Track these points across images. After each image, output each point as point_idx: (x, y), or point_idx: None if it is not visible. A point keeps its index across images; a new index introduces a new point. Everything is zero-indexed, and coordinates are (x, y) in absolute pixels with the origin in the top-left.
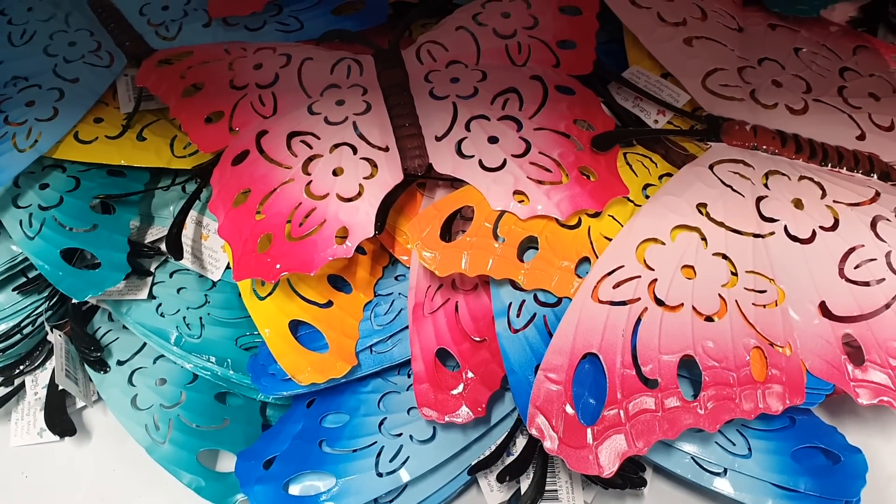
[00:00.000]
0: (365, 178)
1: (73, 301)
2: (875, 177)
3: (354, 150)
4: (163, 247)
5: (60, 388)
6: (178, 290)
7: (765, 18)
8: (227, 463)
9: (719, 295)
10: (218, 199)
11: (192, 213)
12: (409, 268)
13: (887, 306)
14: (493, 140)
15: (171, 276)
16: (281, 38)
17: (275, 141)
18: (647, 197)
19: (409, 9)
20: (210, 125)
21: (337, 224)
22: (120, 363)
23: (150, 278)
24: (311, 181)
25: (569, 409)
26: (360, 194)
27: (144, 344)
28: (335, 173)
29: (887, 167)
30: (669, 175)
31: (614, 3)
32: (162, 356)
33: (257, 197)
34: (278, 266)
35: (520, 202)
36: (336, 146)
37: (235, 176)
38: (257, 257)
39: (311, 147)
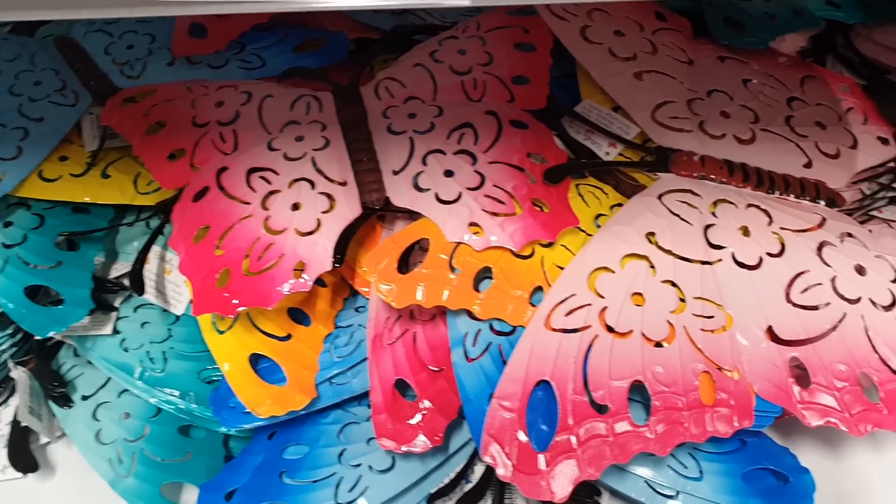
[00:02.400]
0: (323, 212)
1: (37, 337)
2: (822, 203)
3: (313, 185)
4: (127, 282)
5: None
6: (142, 325)
7: (714, 51)
8: (190, 495)
9: (668, 321)
10: (178, 235)
11: (156, 249)
12: (369, 299)
13: (833, 329)
14: (448, 174)
15: (135, 310)
16: (243, 75)
17: (234, 177)
18: (599, 226)
19: (371, 45)
20: (172, 162)
21: (295, 258)
22: (84, 398)
23: (115, 313)
24: (269, 216)
25: (522, 437)
26: (318, 228)
27: (109, 379)
28: (293, 208)
29: (833, 194)
30: (620, 205)
31: (567, 39)
32: (126, 390)
33: (217, 233)
34: (236, 301)
35: (475, 234)
36: (294, 181)
37: (196, 212)
38: (216, 292)
39: (269, 182)
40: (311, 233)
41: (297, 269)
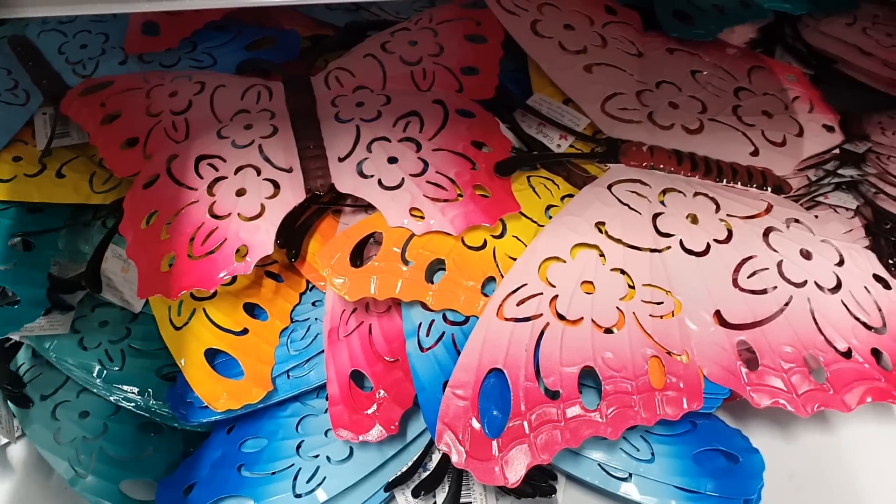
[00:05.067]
0: (267, 197)
1: None
2: (769, 190)
3: (258, 172)
4: (84, 281)
5: None
6: (100, 324)
7: (664, 43)
8: (151, 492)
9: (618, 308)
10: (128, 221)
11: (114, 248)
12: (325, 293)
13: (780, 312)
14: (392, 160)
15: (93, 310)
16: None
17: (184, 164)
18: (550, 217)
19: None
20: (126, 151)
21: (237, 242)
22: (43, 398)
23: (72, 313)
24: (214, 202)
25: (475, 424)
26: (261, 213)
27: (68, 378)
28: (238, 194)
29: (780, 181)
30: (571, 196)
31: (517, 33)
32: (85, 389)
33: (164, 218)
34: (179, 284)
35: (415, 218)
36: (241, 168)
37: (145, 199)
38: (161, 275)
39: (217, 169)
40: (254, 217)
41: (239, 253)
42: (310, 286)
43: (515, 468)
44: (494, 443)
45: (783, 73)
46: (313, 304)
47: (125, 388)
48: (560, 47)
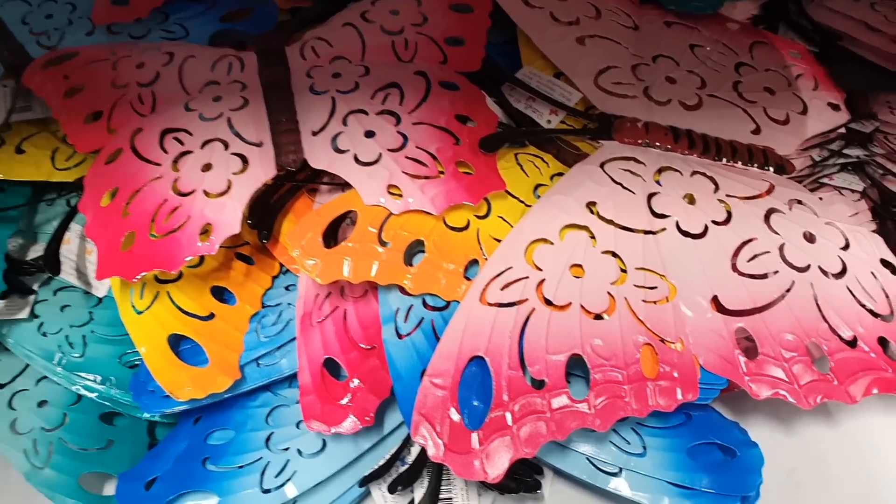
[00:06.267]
0: (234, 173)
1: None
2: (770, 170)
3: (226, 146)
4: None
5: None
6: (62, 308)
7: (661, 16)
8: (111, 486)
9: (608, 293)
10: (88, 198)
11: (77, 228)
12: (299, 277)
13: (781, 298)
14: (369, 134)
15: (54, 293)
16: None
17: (148, 139)
18: (539, 197)
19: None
20: (89, 125)
21: (202, 220)
22: (0, 386)
23: (32, 297)
24: (178, 178)
25: (454, 415)
26: (228, 190)
27: (27, 365)
28: (204, 169)
29: (782, 160)
30: (561, 174)
31: (506, 2)
32: (45, 377)
33: (125, 195)
34: (139, 264)
35: (393, 196)
36: (207, 142)
37: (106, 175)
38: (120, 256)
39: (182, 143)
40: (220, 195)
41: (204, 232)
42: (283, 269)
43: (497, 462)
44: (474, 435)
45: (786, 49)
46: (286, 288)
47: (86, 375)
48: (551, 18)
